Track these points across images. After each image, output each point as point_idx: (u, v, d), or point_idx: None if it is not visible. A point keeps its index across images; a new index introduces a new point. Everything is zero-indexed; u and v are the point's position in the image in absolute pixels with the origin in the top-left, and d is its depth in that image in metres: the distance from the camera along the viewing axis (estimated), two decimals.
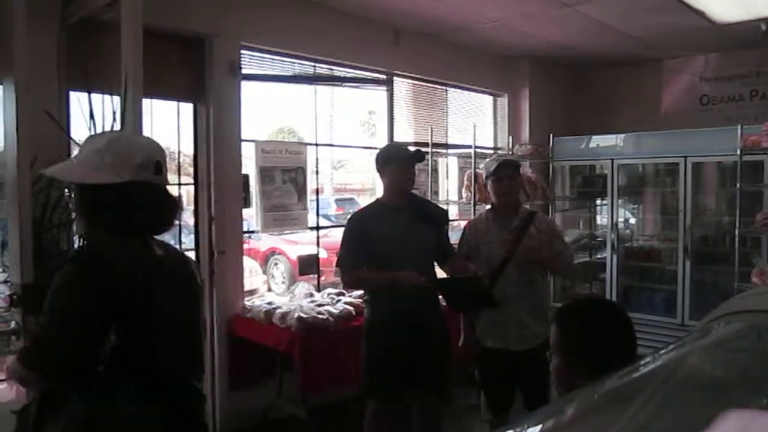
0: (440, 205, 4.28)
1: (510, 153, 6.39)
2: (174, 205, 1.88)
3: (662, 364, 0.90)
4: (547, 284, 3.36)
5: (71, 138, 3.25)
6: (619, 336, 1.71)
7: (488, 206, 3.65)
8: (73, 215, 2.82)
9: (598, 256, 6.61)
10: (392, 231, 3.14)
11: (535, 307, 3.23)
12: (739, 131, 4.93)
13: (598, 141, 6.35)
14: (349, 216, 3.52)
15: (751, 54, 6.13)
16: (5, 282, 2.70)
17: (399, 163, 3.22)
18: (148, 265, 1.76)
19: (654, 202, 6.71)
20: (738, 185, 4.90)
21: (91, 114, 2.92)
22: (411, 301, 3.08)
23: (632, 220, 6.97)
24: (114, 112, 2.84)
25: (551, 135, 6.47)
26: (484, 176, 3.47)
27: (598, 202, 6.87)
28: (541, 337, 3.02)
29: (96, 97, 3.03)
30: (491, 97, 6.76)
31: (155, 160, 1.79)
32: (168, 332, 1.77)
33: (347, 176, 22.52)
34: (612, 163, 6.21)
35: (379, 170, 3.30)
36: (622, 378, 0.90)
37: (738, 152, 4.92)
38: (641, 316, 5.45)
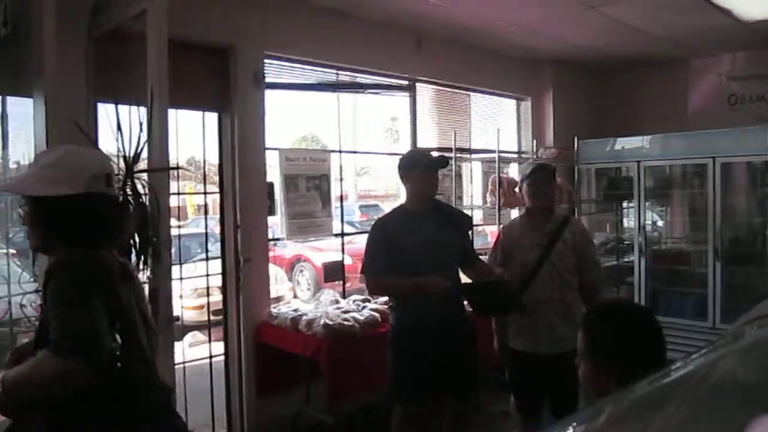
0: (464, 211, 4.27)
1: (534, 156, 6.35)
2: (125, 215, 1.92)
3: (694, 369, 0.88)
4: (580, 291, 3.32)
5: (99, 148, 3.30)
6: (648, 340, 1.69)
7: (522, 211, 3.69)
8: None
9: (626, 259, 6.52)
10: (416, 237, 3.13)
11: (567, 312, 3.20)
12: None
13: (624, 143, 6.29)
14: (373, 222, 3.52)
15: None
16: (36, 291, 2.74)
17: (422, 168, 3.22)
18: (112, 268, 1.81)
19: (682, 204, 6.61)
20: None
21: (118, 125, 2.96)
22: (436, 307, 3.07)
23: (660, 223, 6.88)
24: (141, 123, 2.88)
25: (576, 138, 6.42)
26: (519, 180, 3.49)
27: (625, 204, 6.78)
28: (571, 343, 2.97)
29: (123, 108, 3.07)
30: (514, 101, 6.73)
31: (107, 172, 1.83)
32: (136, 332, 1.85)
33: (371, 183, 22.59)
34: (638, 165, 6.13)
35: (402, 176, 3.29)
36: (653, 383, 0.88)
37: None
38: (671, 320, 5.37)
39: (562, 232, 3.27)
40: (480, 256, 3.62)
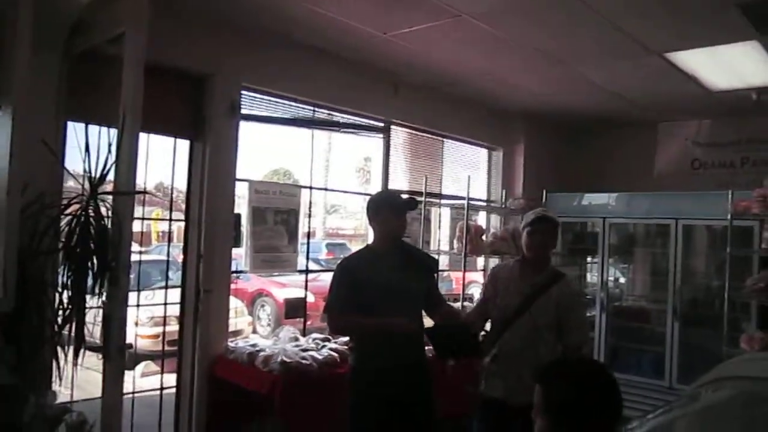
0: (431, 254, 4.26)
1: (503, 207, 6.42)
2: None
3: (650, 430, 0.88)
4: (556, 347, 3.20)
5: (65, 168, 3.24)
6: (604, 397, 1.68)
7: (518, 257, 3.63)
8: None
9: (587, 314, 6.56)
10: (382, 277, 3.11)
11: (538, 366, 3.17)
12: (729, 196, 4.98)
13: (591, 199, 6.41)
14: (339, 261, 3.50)
15: (743, 122, 6.25)
16: None
17: (391, 209, 3.22)
18: None
19: (644, 263, 6.71)
20: (728, 249, 4.92)
21: (86, 146, 2.91)
22: (398, 350, 3.04)
23: (622, 280, 6.96)
24: (110, 145, 2.84)
25: (544, 191, 6.51)
26: (521, 227, 3.38)
27: (589, 259, 6.86)
28: None
29: (93, 129, 3.03)
30: (486, 150, 6.83)
31: None
32: None
33: (340, 221, 22.58)
34: (604, 221, 6.24)
35: (371, 216, 3.29)
36: None
37: (728, 217, 4.96)
38: (629, 377, 5.39)
39: (550, 287, 3.18)
40: (446, 301, 3.61)
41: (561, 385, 1.72)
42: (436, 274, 3.66)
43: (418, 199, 5.14)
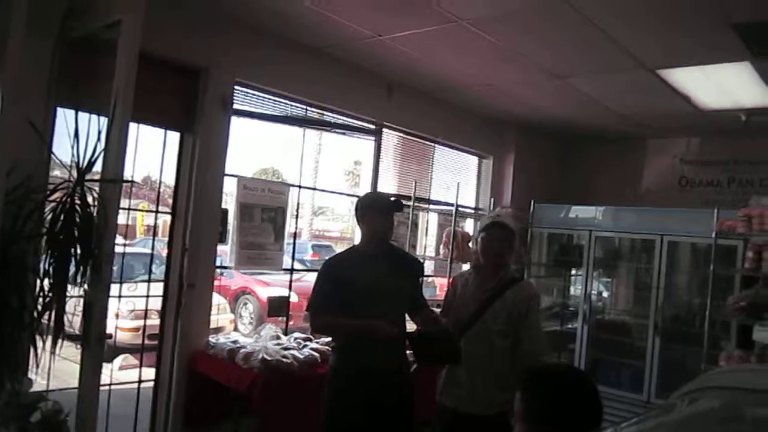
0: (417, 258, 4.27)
1: (493, 214, 6.43)
2: None
3: None
4: (511, 356, 3.09)
5: (52, 153, 3.21)
6: (585, 405, 1.68)
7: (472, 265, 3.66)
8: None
9: (569, 325, 6.60)
10: (367, 278, 3.10)
11: (494, 374, 3.03)
12: (715, 215, 5.02)
13: (578, 211, 6.44)
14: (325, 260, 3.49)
15: (731, 142, 6.32)
16: None
17: (379, 210, 3.21)
18: None
19: (628, 277, 6.75)
20: (711, 268, 4.95)
21: (75, 132, 2.89)
22: (379, 353, 3.02)
23: (605, 293, 7.00)
24: (99, 133, 2.82)
25: (532, 201, 6.54)
26: (478, 230, 3.37)
27: (573, 271, 6.90)
28: (494, 407, 2.89)
29: (83, 116, 3.01)
30: (477, 158, 6.85)
31: None
32: None
33: (327, 223, 22.56)
34: (590, 234, 6.27)
35: (358, 217, 3.28)
36: None
37: (713, 235, 5.00)
38: (608, 390, 5.41)
39: (503, 293, 3.11)
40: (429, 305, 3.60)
41: (542, 393, 1.71)
42: (421, 279, 3.66)
43: (407, 203, 5.15)
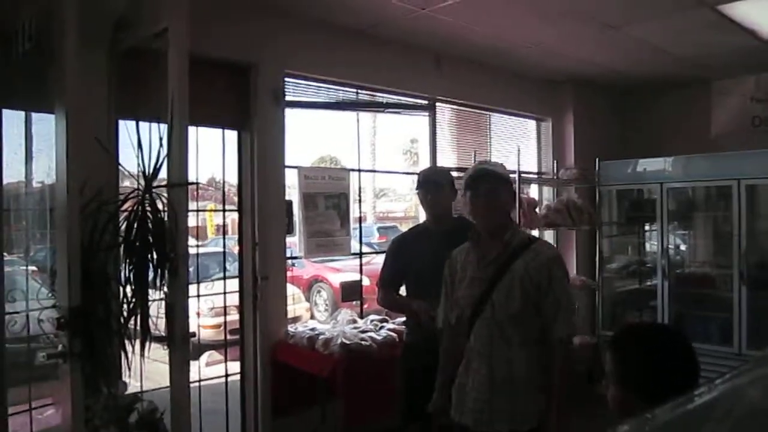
0: None
1: (555, 178, 6.29)
2: None
3: (719, 395, 0.83)
4: (541, 347, 2.37)
5: (120, 165, 3.31)
6: (680, 363, 1.61)
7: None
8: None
9: (648, 283, 6.41)
10: (423, 254, 3.10)
11: (512, 378, 2.34)
12: None
13: (646, 165, 6.22)
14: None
15: None
16: (54, 306, 2.74)
17: (418, 186, 3.27)
18: None
19: (706, 227, 6.49)
20: None
21: (138, 142, 2.97)
22: (424, 331, 3.01)
23: (683, 246, 6.75)
24: (160, 140, 2.89)
25: (597, 159, 6.35)
26: (462, 189, 2.58)
27: (647, 227, 6.68)
28: (522, 423, 2.30)
29: (144, 125, 3.09)
30: (535, 122, 6.69)
31: None
32: None
33: (389, 205, 22.60)
34: (661, 187, 6.05)
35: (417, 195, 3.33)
36: (675, 410, 0.83)
37: None
38: (696, 345, 5.18)
39: (512, 262, 2.38)
40: None
41: (635, 353, 1.65)
42: None
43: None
